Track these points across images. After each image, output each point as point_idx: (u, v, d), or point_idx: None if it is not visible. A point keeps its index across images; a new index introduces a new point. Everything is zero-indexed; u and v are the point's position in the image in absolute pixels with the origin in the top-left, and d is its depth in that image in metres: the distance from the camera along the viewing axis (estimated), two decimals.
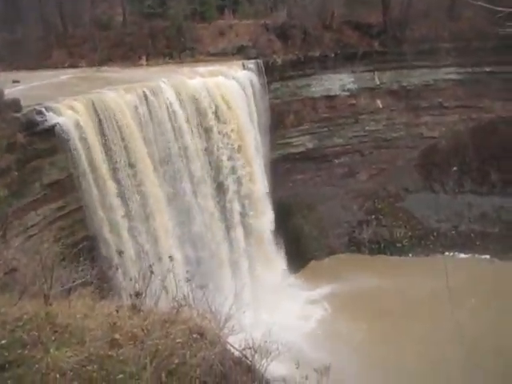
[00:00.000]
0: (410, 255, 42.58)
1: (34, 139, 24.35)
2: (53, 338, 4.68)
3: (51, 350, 4.35)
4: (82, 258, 8.30)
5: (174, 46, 44.13)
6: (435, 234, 43.87)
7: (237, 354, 6.12)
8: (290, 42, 43.93)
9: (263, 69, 40.28)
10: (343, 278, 37.89)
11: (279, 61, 42.74)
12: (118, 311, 5.40)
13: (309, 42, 43.93)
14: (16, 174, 23.25)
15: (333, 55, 44.65)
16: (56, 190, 25.46)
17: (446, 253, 42.66)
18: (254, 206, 35.59)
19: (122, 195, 26.47)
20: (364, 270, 38.86)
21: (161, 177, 28.80)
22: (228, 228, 33.91)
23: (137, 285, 5.72)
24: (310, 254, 42.55)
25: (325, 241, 43.62)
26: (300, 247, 42.05)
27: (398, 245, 43.20)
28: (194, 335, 5.54)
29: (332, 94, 45.65)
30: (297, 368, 6.35)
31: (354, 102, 46.36)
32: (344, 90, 46.01)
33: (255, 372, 5.98)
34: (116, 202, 26.15)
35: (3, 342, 3.89)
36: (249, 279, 33.68)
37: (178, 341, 5.27)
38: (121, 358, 4.57)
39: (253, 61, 40.18)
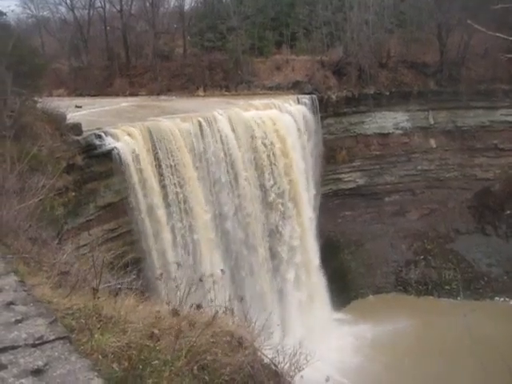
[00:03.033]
0: (459, 298, 41.44)
1: (91, 162, 25.28)
2: (98, 326, 5.10)
3: (96, 335, 4.74)
4: (129, 268, 8.74)
5: (231, 79, 45.34)
6: (486, 278, 42.71)
7: (267, 361, 6.33)
8: (346, 79, 44.39)
9: (317, 104, 40.84)
10: (387, 318, 37.09)
11: (334, 97, 43.23)
12: (159, 311, 5.77)
13: (364, 79, 44.27)
14: (73, 194, 23.95)
15: (387, 93, 44.84)
16: (109, 212, 26.19)
17: (497, 298, 41.50)
18: (302, 239, 35.61)
19: (171, 221, 27.06)
20: (409, 312, 38.07)
21: (210, 205, 29.28)
22: (275, 260, 33.97)
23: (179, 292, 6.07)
24: (356, 292, 42.11)
25: (371, 279, 43.06)
26: (346, 283, 41.68)
27: (447, 287, 42.19)
28: (228, 338, 5.81)
29: (385, 131, 45.70)
30: (327, 381, 6.49)
31: (407, 140, 46.21)
32: (397, 129, 45.98)
33: (283, 377, 6.18)
34: (166, 227, 26.74)
35: None
36: (293, 310, 33.60)
37: (212, 340, 5.56)
38: (158, 348, 4.91)
39: (308, 96, 40.75)
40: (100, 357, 4.45)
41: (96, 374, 3.59)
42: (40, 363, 3.73)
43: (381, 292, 42.57)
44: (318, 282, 37.39)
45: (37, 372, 3.66)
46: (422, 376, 31.13)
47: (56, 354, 3.82)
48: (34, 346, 3.91)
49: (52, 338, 3.97)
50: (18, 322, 4.21)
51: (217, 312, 6.23)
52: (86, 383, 3.52)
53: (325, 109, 42.16)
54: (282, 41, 49.62)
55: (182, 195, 27.60)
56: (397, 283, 43.34)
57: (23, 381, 3.58)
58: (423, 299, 41.64)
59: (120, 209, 26.21)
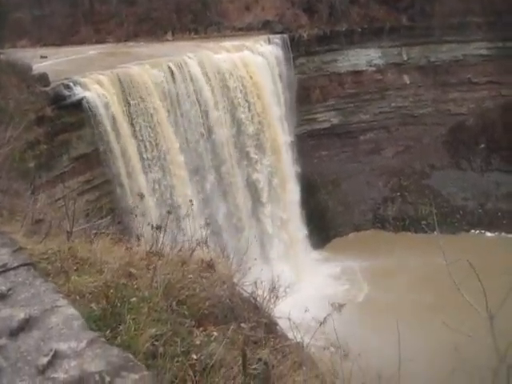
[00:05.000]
0: (435, 233, 42.21)
1: (61, 113, 24.75)
2: (74, 268, 5.10)
3: (72, 277, 4.74)
4: (104, 214, 8.70)
5: (200, 21, 44.21)
6: (461, 212, 43.49)
7: (245, 295, 6.42)
8: (317, 17, 43.58)
9: (289, 44, 40.17)
10: (366, 255, 37.88)
11: (305, 35, 42.47)
12: (135, 250, 5.78)
13: (335, 16, 43.50)
14: (45, 147, 23.55)
15: (359, 30, 44.18)
16: (83, 164, 25.85)
17: (472, 231, 42.41)
18: (280, 179, 35.77)
19: (146, 168, 26.90)
20: (388, 247, 38.83)
21: (185, 149, 29.08)
22: (254, 200, 34.16)
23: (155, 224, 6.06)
24: (335, 230, 42.69)
25: (349, 217, 43.63)
26: (324, 223, 42.16)
27: (423, 222, 42.72)
28: (206, 274, 5.87)
29: (358, 69, 45.25)
30: (305, 311, 6.63)
31: (380, 77, 45.88)
32: (371, 66, 45.55)
33: (262, 310, 6.28)
34: (141, 176, 26.57)
35: None
36: (273, 249, 34.07)
37: (189, 276, 5.61)
38: (135, 285, 4.94)
39: (279, 35, 40.05)
40: (78, 297, 4.45)
41: (61, 295, 3.60)
42: (3, 288, 3.78)
43: (359, 230, 43.22)
44: (297, 221, 37.82)
45: (0, 297, 3.69)
46: (398, 304, 31.85)
47: (20, 279, 3.89)
48: None
49: (15, 264, 4.05)
50: None
51: (193, 249, 6.26)
52: (52, 304, 3.55)
53: (297, 48, 41.50)
54: None
55: (154, 140, 27.35)
56: (374, 220, 43.99)
57: None
58: (401, 235, 42.41)
59: (94, 159, 25.90)
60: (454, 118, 46.69)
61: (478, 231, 42.28)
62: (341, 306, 6.31)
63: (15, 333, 3.24)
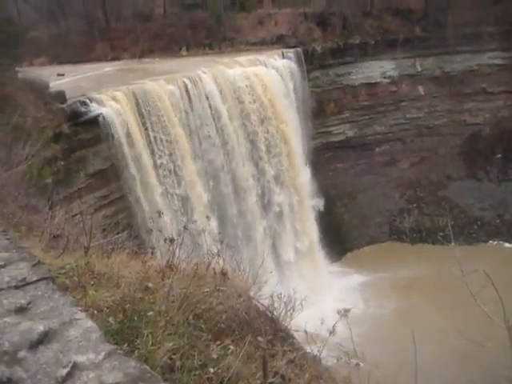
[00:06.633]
0: (453, 244, 41.86)
1: (78, 129, 25.03)
2: (91, 283, 5.16)
3: (90, 292, 4.79)
4: (120, 228, 8.80)
5: (214, 37, 44.61)
6: (479, 222, 43.14)
7: (262, 308, 6.43)
8: (330, 30, 43.76)
9: (303, 57, 40.31)
10: (383, 267, 37.63)
11: (319, 49, 42.63)
12: (151, 264, 5.84)
13: (348, 29, 43.65)
14: (62, 163, 23.81)
15: (373, 42, 44.26)
16: (100, 179, 26.05)
17: (490, 242, 42.01)
18: (296, 193, 35.70)
19: (162, 182, 27.02)
20: (404, 259, 38.53)
21: (200, 164, 29.19)
22: (269, 217, 34.09)
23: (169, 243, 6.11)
24: (351, 243, 42.49)
25: (365, 230, 43.43)
26: (341, 235, 42.02)
27: (440, 233, 42.46)
28: (222, 288, 5.91)
29: (373, 81, 45.28)
30: (321, 323, 6.63)
31: (395, 89, 45.85)
32: (385, 77, 45.55)
33: (278, 323, 6.29)
34: (157, 191, 26.67)
35: None
36: (289, 266, 33.92)
37: (205, 290, 5.65)
38: (152, 300, 4.99)
39: (292, 49, 40.21)
40: (95, 312, 4.51)
41: (80, 308, 3.66)
42: (23, 302, 3.85)
43: (375, 242, 42.95)
44: (313, 234, 37.65)
45: (20, 310, 3.77)
46: (414, 315, 31.57)
47: (39, 293, 3.96)
48: (16, 287, 4.05)
49: (35, 279, 4.13)
50: (0, 267, 4.34)
51: (210, 263, 6.30)
52: (70, 317, 3.61)
53: (310, 61, 41.67)
54: None
55: (170, 155, 27.48)
56: (391, 232, 43.75)
57: (7, 319, 3.65)
58: (418, 247, 42.11)
59: (110, 175, 26.08)
60: (470, 128, 46.48)
61: (496, 242, 41.88)
62: (347, 311, 6.33)
63: (35, 345, 3.31)
